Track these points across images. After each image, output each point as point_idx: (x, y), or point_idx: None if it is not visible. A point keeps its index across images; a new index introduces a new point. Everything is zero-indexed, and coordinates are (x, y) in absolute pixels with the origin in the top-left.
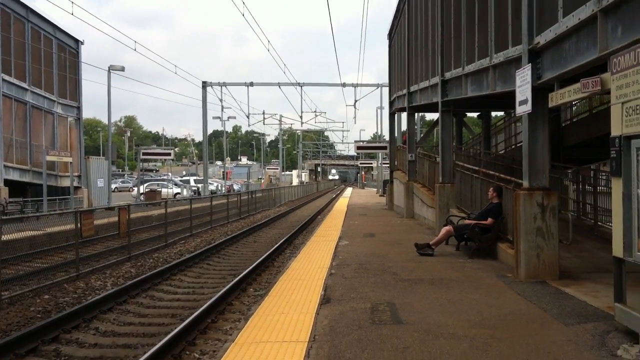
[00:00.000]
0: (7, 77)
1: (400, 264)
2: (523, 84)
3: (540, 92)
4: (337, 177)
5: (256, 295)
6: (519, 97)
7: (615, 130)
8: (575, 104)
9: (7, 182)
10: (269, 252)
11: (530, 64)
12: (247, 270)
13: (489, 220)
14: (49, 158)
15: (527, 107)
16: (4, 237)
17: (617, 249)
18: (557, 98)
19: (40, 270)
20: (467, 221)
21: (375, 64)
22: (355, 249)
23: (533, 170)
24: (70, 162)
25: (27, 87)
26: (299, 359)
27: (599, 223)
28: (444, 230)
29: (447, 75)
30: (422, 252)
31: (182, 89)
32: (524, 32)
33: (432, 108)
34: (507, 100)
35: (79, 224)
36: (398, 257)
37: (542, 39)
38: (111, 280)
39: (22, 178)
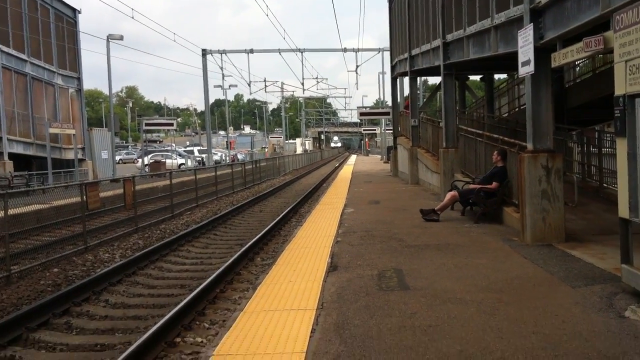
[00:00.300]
0: (5, 49)
1: (406, 230)
2: (525, 44)
3: (542, 52)
4: (339, 144)
5: (264, 264)
6: (521, 58)
7: (619, 89)
8: (578, 65)
9: (11, 156)
10: (275, 221)
11: (532, 23)
12: (253, 240)
13: (494, 184)
14: (52, 130)
15: (530, 68)
16: (11, 211)
17: (623, 210)
18: (559, 58)
19: (48, 244)
20: (471, 186)
21: (377, 28)
22: (360, 217)
23: (537, 133)
24: (74, 134)
25: (26, 58)
26: (307, 326)
27: (604, 185)
28: (448, 195)
29: (449, 37)
30: (428, 218)
31: (183, 57)
32: None
33: (434, 72)
34: (509, 62)
35: (84, 197)
36: (404, 223)
37: None
38: (119, 252)
39: (26, 151)
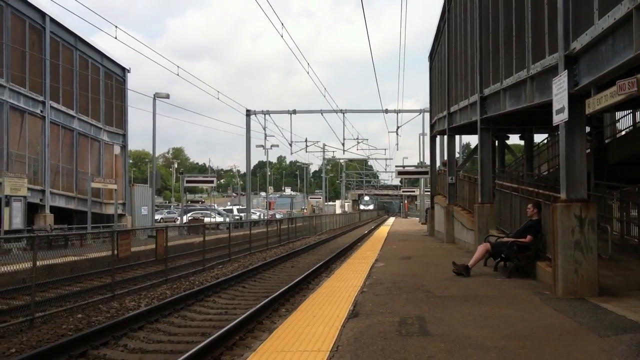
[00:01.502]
0: (55, 105)
1: (434, 282)
2: (560, 91)
3: (577, 99)
4: (370, 206)
5: (287, 314)
6: (555, 106)
7: None
8: (618, 120)
9: (53, 209)
10: (304, 274)
11: (566, 70)
12: (280, 291)
13: (528, 237)
14: (94, 185)
15: (564, 116)
16: (45, 262)
17: None
18: (594, 104)
19: (77, 292)
20: (505, 239)
21: (416, 94)
22: (390, 270)
23: (571, 181)
24: (115, 189)
25: (74, 114)
26: None
27: None
28: (481, 248)
29: (486, 91)
30: (458, 272)
31: (229, 120)
32: (559, 38)
33: (471, 129)
34: (547, 117)
35: (115, 244)
36: (433, 276)
37: (578, 44)
38: (145, 301)
39: (68, 205)
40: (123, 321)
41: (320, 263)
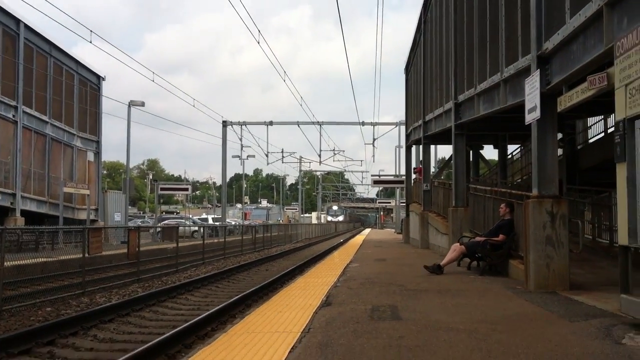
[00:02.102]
0: (27, 110)
1: (408, 279)
2: (532, 91)
3: (549, 98)
4: (340, 217)
5: (260, 304)
6: (528, 105)
7: (620, 114)
8: (589, 127)
9: (24, 213)
10: (279, 275)
11: (539, 69)
12: (253, 289)
13: (501, 236)
14: (67, 190)
15: (536, 114)
16: (16, 262)
17: (623, 237)
18: (565, 101)
19: (46, 290)
20: (477, 238)
21: (393, 111)
22: (364, 270)
23: (542, 178)
24: (88, 195)
25: (47, 119)
26: (289, 344)
27: (615, 244)
28: (456, 248)
29: (460, 97)
30: (431, 270)
31: (206, 134)
32: (532, 39)
33: (446, 139)
34: (520, 124)
35: (86, 242)
36: (407, 274)
37: (550, 43)
38: (116, 297)
39: (39, 209)
40: (93, 312)
41: (295, 266)
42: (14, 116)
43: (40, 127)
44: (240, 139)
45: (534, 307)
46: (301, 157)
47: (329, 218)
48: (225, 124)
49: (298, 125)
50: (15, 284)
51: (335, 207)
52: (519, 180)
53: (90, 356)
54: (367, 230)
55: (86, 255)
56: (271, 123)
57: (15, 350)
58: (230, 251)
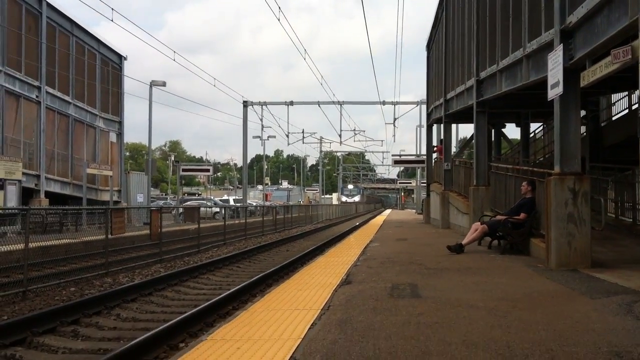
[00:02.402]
0: (50, 90)
1: (428, 258)
2: (555, 65)
3: (572, 74)
4: (356, 197)
5: (280, 282)
6: (550, 81)
7: None
8: (614, 103)
9: (48, 194)
10: (299, 255)
11: (562, 44)
12: (274, 268)
13: (522, 215)
14: (90, 171)
15: (559, 89)
16: (41, 244)
17: None
18: (588, 76)
19: (70, 271)
20: (498, 217)
21: (413, 90)
22: (384, 249)
23: (564, 155)
24: (111, 176)
25: (70, 100)
26: (309, 321)
27: (638, 222)
28: (478, 228)
29: (482, 74)
30: (452, 249)
31: (227, 115)
32: (555, 13)
33: (468, 117)
34: (543, 101)
35: (109, 222)
36: (427, 253)
37: (573, 17)
38: (139, 278)
39: (63, 190)
40: (116, 292)
41: (316, 246)
42: (37, 96)
43: (63, 108)
44: (261, 119)
45: (555, 284)
46: (322, 138)
47: (344, 199)
48: (245, 104)
49: (319, 105)
50: (40, 264)
51: (350, 187)
52: (542, 159)
53: (113, 335)
54: (388, 211)
55: (109, 236)
56: (292, 103)
57: (40, 329)
58: (252, 232)
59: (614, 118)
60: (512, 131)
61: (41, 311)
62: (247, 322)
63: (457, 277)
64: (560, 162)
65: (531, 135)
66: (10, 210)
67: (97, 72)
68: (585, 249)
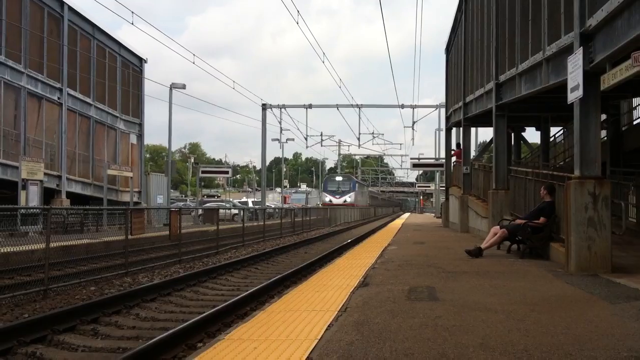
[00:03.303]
0: (72, 92)
1: (446, 261)
2: (575, 69)
3: (592, 77)
4: (347, 197)
5: (298, 284)
6: (570, 84)
7: None
8: (635, 107)
9: (70, 195)
10: (317, 257)
11: (581, 47)
12: (292, 270)
13: (541, 219)
14: (110, 172)
15: (579, 93)
16: (62, 243)
17: None
18: (608, 79)
19: (91, 270)
20: (518, 221)
21: (432, 93)
22: (402, 252)
23: (584, 159)
24: (131, 177)
25: (91, 102)
26: (325, 322)
27: None
28: (497, 232)
29: (501, 78)
30: (471, 253)
31: (246, 118)
32: (575, 16)
33: (487, 121)
34: (562, 104)
35: (129, 223)
36: (445, 257)
37: (593, 20)
38: (158, 278)
39: (84, 191)
40: (135, 292)
41: (334, 248)
42: (59, 98)
43: (84, 110)
44: (280, 122)
45: (574, 289)
46: (340, 141)
47: (327, 198)
48: (264, 106)
49: (337, 108)
50: (61, 264)
51: (339, 178)
52: (562, 163)
53: (132, 334)
54: (406, 215)
55: (129, 236)
56: (310, 106)
57: (60, 327)
58: (270, 234)
59: (635, 122)
60: (532, 135)
61: (61, 309)
62: (264, 322)
63: (476, 281)
64: (580, 166)
65: (551, 139)
66: (32, 210)
67: (118, 74)
68: (606, 253)
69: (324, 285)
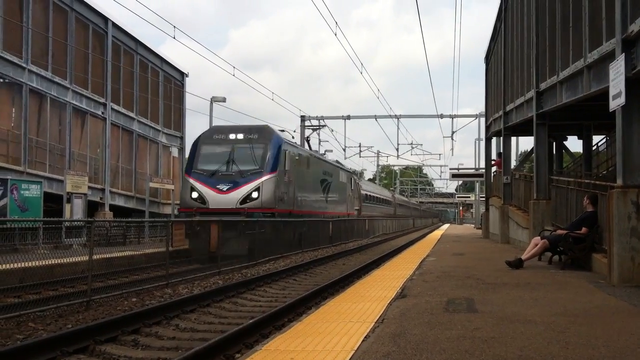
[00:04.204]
0: (115, 107)
1: (486, 272)
2: (617, 76)
3: (635, 83)
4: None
5: (335, 295)
6: (612, 92)
7: None
8: None
9: (112, 207)
10: (355, 269)
11: (623, 54)
12: (330, 281)
13: (583, 229)
14: (152, 185)
15: (621, 100)
16: (104, 256)
17: None
18: None
19: (132, 282)
20: (559, 231)
21: (472, 102)
22: (441, 263)
23: (627, 167)
24: (172, 190)
25: (134, 116)
26: (362, 333)
27: None
28: (539, 242)
29: (542, 86)
30: (511, 264)
31: (284, 128)
32: (617, 22)
33: (527, 130)
34: (605, 112)
35: (170, 234)
36: (485, 268)
37: (635, 26)
38: (198, 289)
39: (127, 204)
40: (176, 303)
41: (372, 260)
42: (102, 113)
43: (127, 124)
44: (318, 134)
45: (616, 300)
46: (379, 152)
47: (192, 194)
48: (303, 118)
49: (375, 118)
50: (103, 275)
51: (234, 136)
52: (605, 172)
53: (172, 344)
54: (446, 226)
55: (170, 248)
56: (349, 117)
57: (102, 338)
58: (307, 245)
59: None
60: (575, 144)
61: (103, 320)
62: (301, 333)
63: (515, 292)
64: (622, 175)
65: (594, 148)
66: (76, 223)
67: (160, 88)
68: None
69: (362, 297)
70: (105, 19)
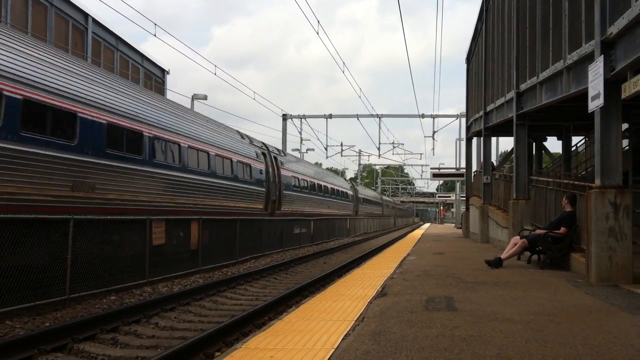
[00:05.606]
0: None
1: (465, 271)
2: (595, 77)
3: (613, 85)
4: None
5: (316, 293)
6: (591, 93)
7: None
8: None
9: None
10: (335, 267)
11: (602, 55)
12: (311, 280)
13: (562, 229)
14: None
15: (600, 101)
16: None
17: None
18: (629, 88)
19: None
20: (538, 231)
21: (454, 103)
22: (421, 262)
23: (605, 168)
24: None
25: None
26: (342, 332)
27: None
28: (518, 242)
29: (522, 87)
30: (490, 263)
31: (268, 128)
32: (596, 24)
33: (508, 130)
34: (584, 113)
35: (149, 231)
36: (465, 267)
37: (614, 28)
38: (178, 287)
39: None
40: (155, 301)
41: (353, 258)
42: None
43: None
44: (300, 132)
45: (594, 299)
46: (360, 151)
47: None
48: (285, 117)
49: (357, 118)
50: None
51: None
52: (583, 173)
53: (151, 343)
54: (427, 225)
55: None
56: (330, 116)
57: (80, 336)
58: (289, 244)
59: None
60: (554, 145)
61: (81, 318)
62: (281, 331)
63: (495, 291)
64: (600, 175)
65: (573, 148)
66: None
67: (141, 85)
68: (627, 263)
69: (342, 295)
70: (86, 15)
